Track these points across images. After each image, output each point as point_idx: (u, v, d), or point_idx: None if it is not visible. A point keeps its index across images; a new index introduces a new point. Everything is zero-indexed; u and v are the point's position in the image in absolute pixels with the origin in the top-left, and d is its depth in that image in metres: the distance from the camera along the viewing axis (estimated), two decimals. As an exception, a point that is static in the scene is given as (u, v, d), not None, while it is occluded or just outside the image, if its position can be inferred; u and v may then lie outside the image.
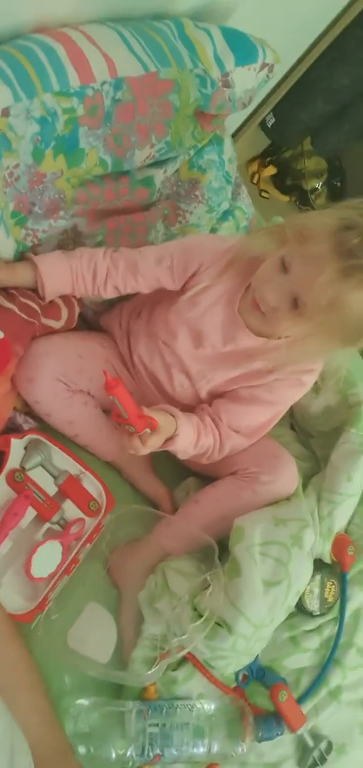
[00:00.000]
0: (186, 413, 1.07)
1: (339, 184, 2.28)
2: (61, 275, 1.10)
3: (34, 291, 1.11)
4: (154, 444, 0.98)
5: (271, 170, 2.11)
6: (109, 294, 1.14)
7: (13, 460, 1.11)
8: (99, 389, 1.19)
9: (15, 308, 1.08)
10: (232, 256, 1.08)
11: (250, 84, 1.32)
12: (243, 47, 1.25)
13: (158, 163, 1.21)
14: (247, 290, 1.07)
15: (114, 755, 0.96)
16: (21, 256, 1.11)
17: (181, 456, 1.10)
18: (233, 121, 1.66)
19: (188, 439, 1.05)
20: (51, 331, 1.16)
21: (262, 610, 1.02)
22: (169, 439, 1.02)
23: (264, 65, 1.30)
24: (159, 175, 1.22)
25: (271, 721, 1.04)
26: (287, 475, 1.12)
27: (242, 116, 1.75)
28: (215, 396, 1.17)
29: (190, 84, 1.15)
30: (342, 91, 1.78)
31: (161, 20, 1.14)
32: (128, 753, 0.97)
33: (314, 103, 1.83)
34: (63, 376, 1.13)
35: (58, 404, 1.14)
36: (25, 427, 1.15)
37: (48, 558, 1.05)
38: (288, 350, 1.02)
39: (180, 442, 1.03)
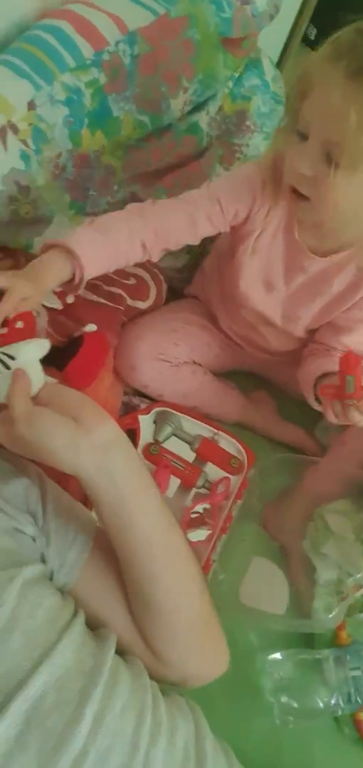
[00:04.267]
0: None
1: None
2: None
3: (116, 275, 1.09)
4: None
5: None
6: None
7: (146, 435, 1.13)
8: (202, 355, 1.17)
9: (101, 299, 1.09)
10: (269, 179, 0.94)
11: (272, -9, 1.24)
12: None
13: (199, 106, 1.18)
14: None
15: (321, 704, 0.93)
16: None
17: None
18: (272, 45, 1.57)
19: None
20: (139, 313, 1.15)
21: None
22: None
23: (282, -35, 1.23)
24: (203, 118, 1.19)
25: None
26: None
27: (281, 38, 1.66)
28: (313, 332, 1.10)
29: (205, 12, 1.11)
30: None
31: None
32: (334, 701, 0.93)
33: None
34: (161, 354, 1.12)
35: (166, 381, 1.14)
36: (143, 406, 1.14)
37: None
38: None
39: None
